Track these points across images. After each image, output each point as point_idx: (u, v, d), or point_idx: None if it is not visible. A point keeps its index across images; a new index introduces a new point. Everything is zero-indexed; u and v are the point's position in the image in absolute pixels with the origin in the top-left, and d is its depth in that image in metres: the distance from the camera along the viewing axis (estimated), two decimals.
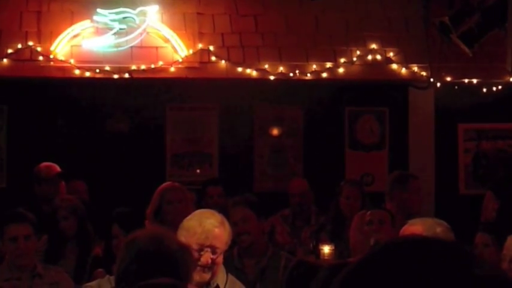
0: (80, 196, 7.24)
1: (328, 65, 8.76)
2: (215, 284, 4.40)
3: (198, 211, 4.57)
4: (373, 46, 8.87)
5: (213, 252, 4.28)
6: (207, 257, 4.26)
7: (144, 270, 3.13)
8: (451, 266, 1.27)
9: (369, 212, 5.92)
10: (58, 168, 7.54)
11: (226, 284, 4.48)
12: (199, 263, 4.24)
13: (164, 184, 6.77)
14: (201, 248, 4.26)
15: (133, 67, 8.42)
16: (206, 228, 4.28)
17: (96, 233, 6.58)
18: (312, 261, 3.96)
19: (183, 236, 4.15)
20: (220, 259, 4.35)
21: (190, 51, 8.52)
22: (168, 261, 3.19)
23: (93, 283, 4.19)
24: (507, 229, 5.19)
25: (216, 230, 4.30)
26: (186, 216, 4.53)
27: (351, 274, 1.32)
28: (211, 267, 4.29)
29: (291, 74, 8.67)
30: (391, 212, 6.09)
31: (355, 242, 6.15)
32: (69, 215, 6.46)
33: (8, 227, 5.29)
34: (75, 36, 8.40)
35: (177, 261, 3.21)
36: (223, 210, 5.26)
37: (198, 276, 4.23)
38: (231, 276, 4.57)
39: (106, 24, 8.38)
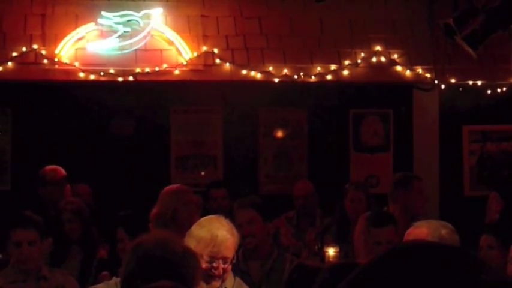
0: (83, 199, 7.24)
1: (333, 67, 8.75)
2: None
3: (206, 219, 4.50)
4: (378, 48, 8.86)
5: (224, 262, 4.30)
6: (219, 268, 4.27)
7: (150, 274, 3.14)
8: (458, 271, 1.27)
9: (375, 230, 5.71)
10: (63, 172, 7.54)
11: (233, 287, 4.48)
12: (211, 273, 4.25)
13: (171, 186, 6.75)
14: (213, 260, 4.27)
15: (138, 70, 8.42)
16: (219, 241, 4.27)
17: (100, 235, 6.59)
18: (311, 265, 3.94)
19: (192, 246, 4.06)
20: (230, 266, 4.36)
21: (195, 54, 8.52)
22: (173, 265, 3.19)
23: (100, 285, 4.19)
24: None
25: (228, 242, 4.30)
26: (192, 219, 4.52)
27: (357, 278, 1.32)
28: (221, 275, 4.31)
29: (296, 76, 8.67)
30: (395, 221, 5.91)
31: (359, 244, 6.13)
32: (73, 217, 6.46)
33: (14, 231, 5.29)
34: (79, 39, 8.40)
35: (183, 266, 3.21)
36: (227, 212, 5.26)
37: (208, 284, 4.25)
38: (238, 279, 4.58)
39: (110, 27, 8.39)
